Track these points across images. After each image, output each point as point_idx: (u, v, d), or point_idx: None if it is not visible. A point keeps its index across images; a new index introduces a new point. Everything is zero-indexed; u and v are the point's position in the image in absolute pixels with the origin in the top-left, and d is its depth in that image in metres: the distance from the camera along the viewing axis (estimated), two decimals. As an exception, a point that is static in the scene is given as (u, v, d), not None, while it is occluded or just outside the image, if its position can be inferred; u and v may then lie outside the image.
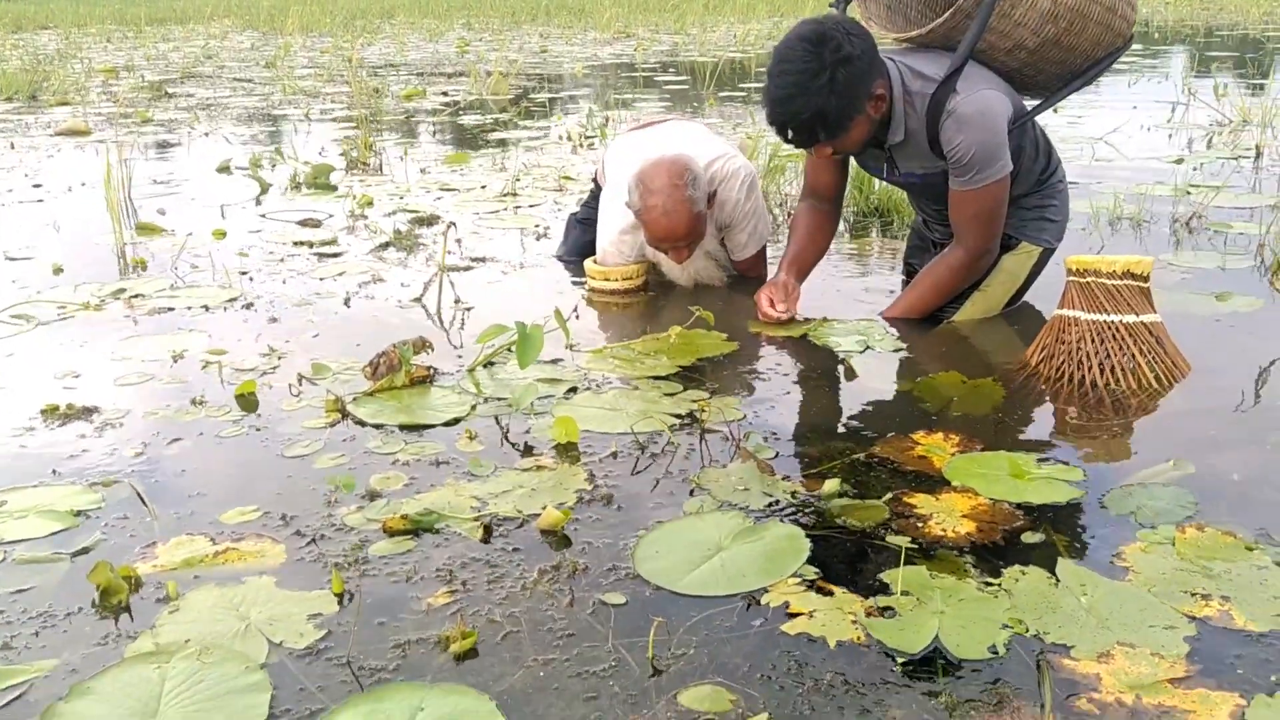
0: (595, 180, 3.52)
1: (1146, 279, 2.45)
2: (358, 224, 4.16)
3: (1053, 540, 1.73)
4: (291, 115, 7.65)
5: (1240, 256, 3.34)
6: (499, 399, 2.37)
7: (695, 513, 1.85)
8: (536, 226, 4.06)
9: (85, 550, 1.76)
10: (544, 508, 1.84)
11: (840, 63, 2.37)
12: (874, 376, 2.51)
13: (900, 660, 1.44)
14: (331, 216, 4.30)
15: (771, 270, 3.10)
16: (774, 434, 2.17)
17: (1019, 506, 1.84)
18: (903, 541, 1.71)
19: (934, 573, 1.63)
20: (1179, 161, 4.99)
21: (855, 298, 3.10)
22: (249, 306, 3.09)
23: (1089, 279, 2.46)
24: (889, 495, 1.88)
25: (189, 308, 3.08)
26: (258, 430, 2.23)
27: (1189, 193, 4.19)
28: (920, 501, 1.86)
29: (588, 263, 3.24)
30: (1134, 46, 11.23)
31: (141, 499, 1.92)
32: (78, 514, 1.87)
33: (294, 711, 1.36)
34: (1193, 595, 1.56)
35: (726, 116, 6.84)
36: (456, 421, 2.26)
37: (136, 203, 4.57)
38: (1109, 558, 1.68)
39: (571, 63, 11.41)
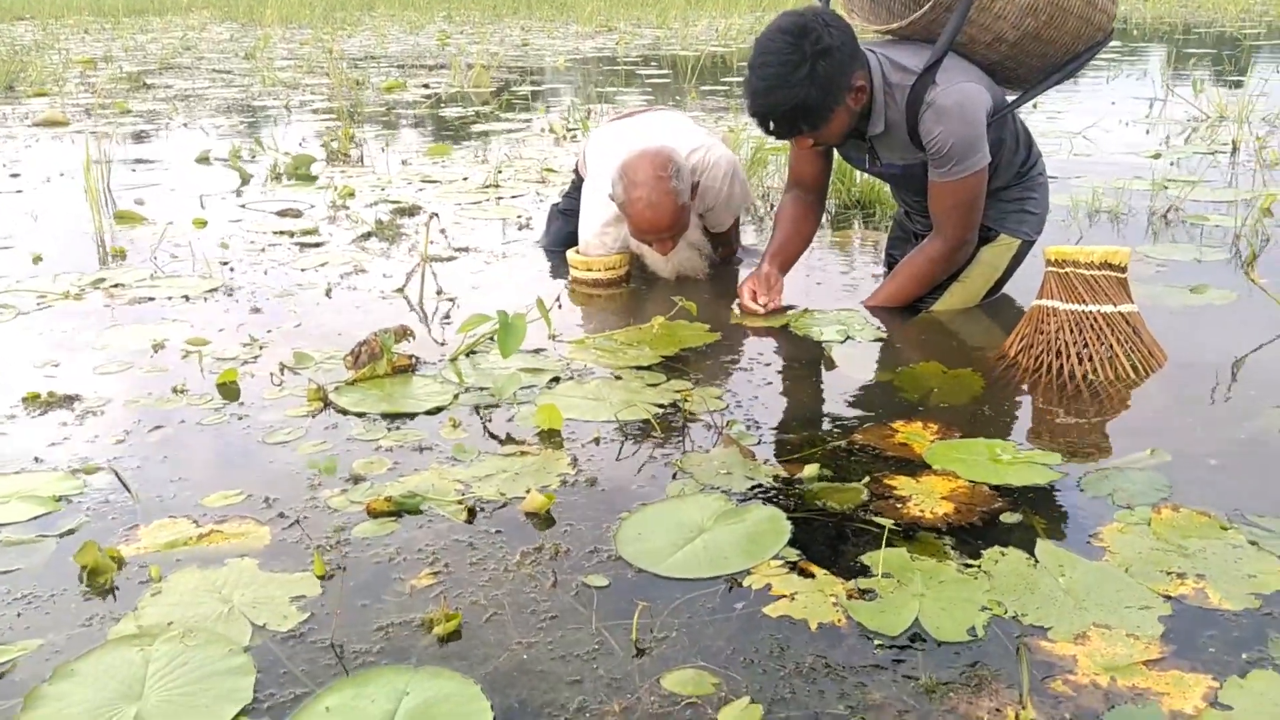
0: (576, 171, 3.52)
1: (1124, 270, 2.47)
2: (339, 214, 4.15)
3: (1031, 522, 1.75)
4: (271, 107, 7.61)
5: (1216, 249, 3.38)
6: (481, 388, 2.37)
7: (678, 495, 1.87)
8: (519, 217, 4.06)
9: (69, 532, 1.76)
10: (528, 491, 1.85)
11: (820, 54, 2.38)
12: (854, 366, 2.52)
13: (881, 642, 1.45)
14: (313, 207, 4.29)
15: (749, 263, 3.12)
16: (756, 421, 2.19)
17: (998, 489, 1.86)
18: (885, 522, 1.72)
19: (914, 555, 1.65)
20: (1156, 156, 5.04)
21: (837, 289, 3.12)
22: (230, 296, 3.08)
23: (1067, 269, 2.48)
24: (868, 478, 1.89)
25: (169, 297, 3.07)
26: (239, 418, 2.22)
27: (1166, 187, 4.23)
28: (900, 484, 1.88)
29: (570, 253, 3.24)
30: (1113, 43, 11.33)
31: (123, 483, 1.91)
32: (59, 499, 1.87)
33: (278, 695, 1.36)
34: (1168, 574, 1.58)
35: (708, 110, 6.85)
36: (439, 410, 2.27)
37: (115, 193, 4.54)
38: (1086, 538, 1.70)
39: (553, 56, 11.40)
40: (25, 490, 1.90)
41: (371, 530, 1.75)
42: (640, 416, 2.20)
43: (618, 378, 2.42)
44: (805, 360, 2.58)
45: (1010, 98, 2.66)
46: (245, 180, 4.85)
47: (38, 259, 3.48)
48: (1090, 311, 2.44)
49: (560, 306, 2.86)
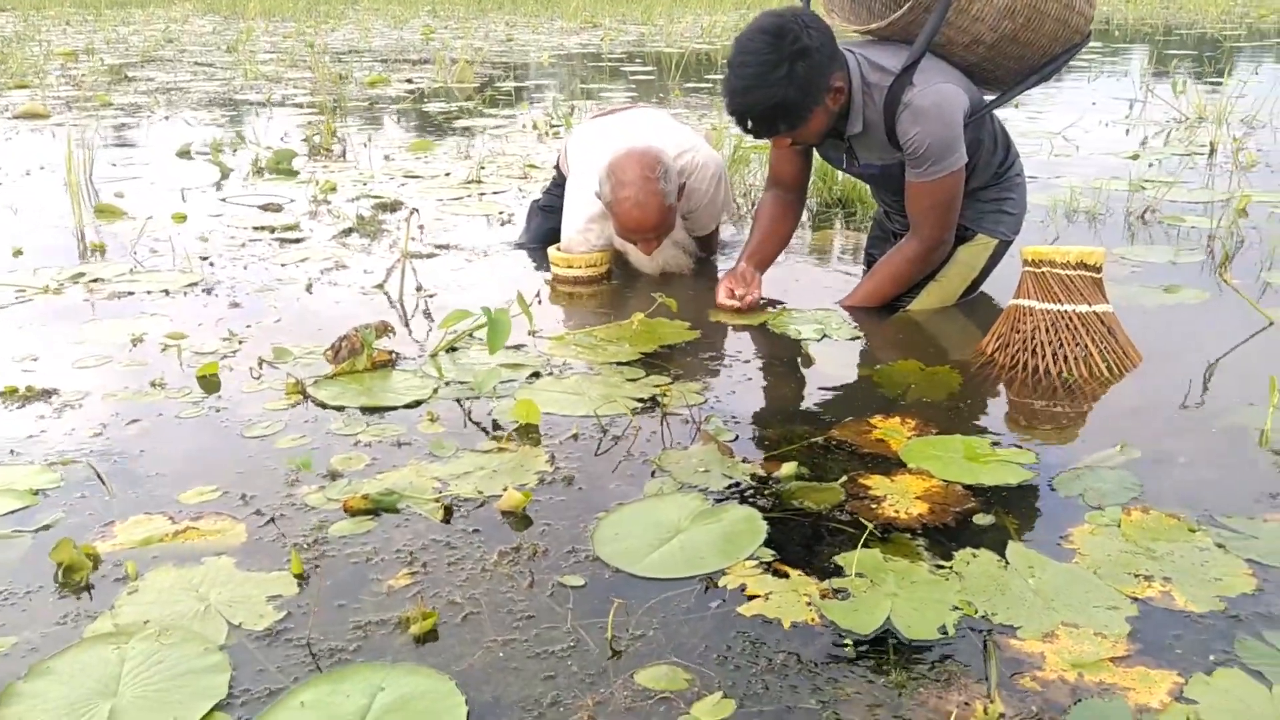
0: (558, 167, 3.52)
1: (1099, 269, 2.50)
2: (320, 209, 4.14)
3: (1003, 522, 1.77)
4: (253, 100, 7.58)
5: (1192, 250, 3.41)
6: (461, 383, 2.38)
7: (655, 494, 1.88)
8: (500, 214, 4.06)
9: (45, 528, 1.75)
10: (505, 489, 1.86)
11: (799, 55, 2.40)
12: (832, 363, 2.54)
13: (853, 640, 1.47)
14: (293, 202, 4.28)
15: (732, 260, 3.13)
16: (734, 418, 2.20)
17: (971, 488, 1.88)
18: (865, 524, 1.74)
19: (888, 555, 1.67)
20: (1135, 157, 5.08)
21: (816, 287, 3.13)
22: (209, 291, 3.07)
23: (1044, 269, 2.51)
24: (844, 477, 1.91)
25: (149, 292, 3.05)
26: (217, 412, 2.22)
27: (1144, 187, 4.27)
28: (875, 483, 1.90)
29: (551, 250, 3.25)
30: (1096, 44, 11.39)
31: (100, 478, 1.91)
32: (36, 493, 1.86)
33: (253, 692, 1.36)
34: (1136, 576, 1.60)
35: (692, 108, 6.87)
36: (418, 404, 2.27)
37: (96, 186, 4.51)
38: (1057, 539, 1.72)
39: (538, 52, 11.38)
40: (2, 484, 1.89)
41: (349, 529, 1.76)
42: (619, 411, 2.21)
43: (597, 373, 2.43)
44: (783, 357, 2.60)
45: (988, 98, 2.68)
46: (226, 174, 4.83)
47: (17, 252, 3.46)
48: (1066, 311, 2.46)
49: (540, 302, 2.86)
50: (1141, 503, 1.82)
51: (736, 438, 2.10)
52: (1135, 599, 1.55)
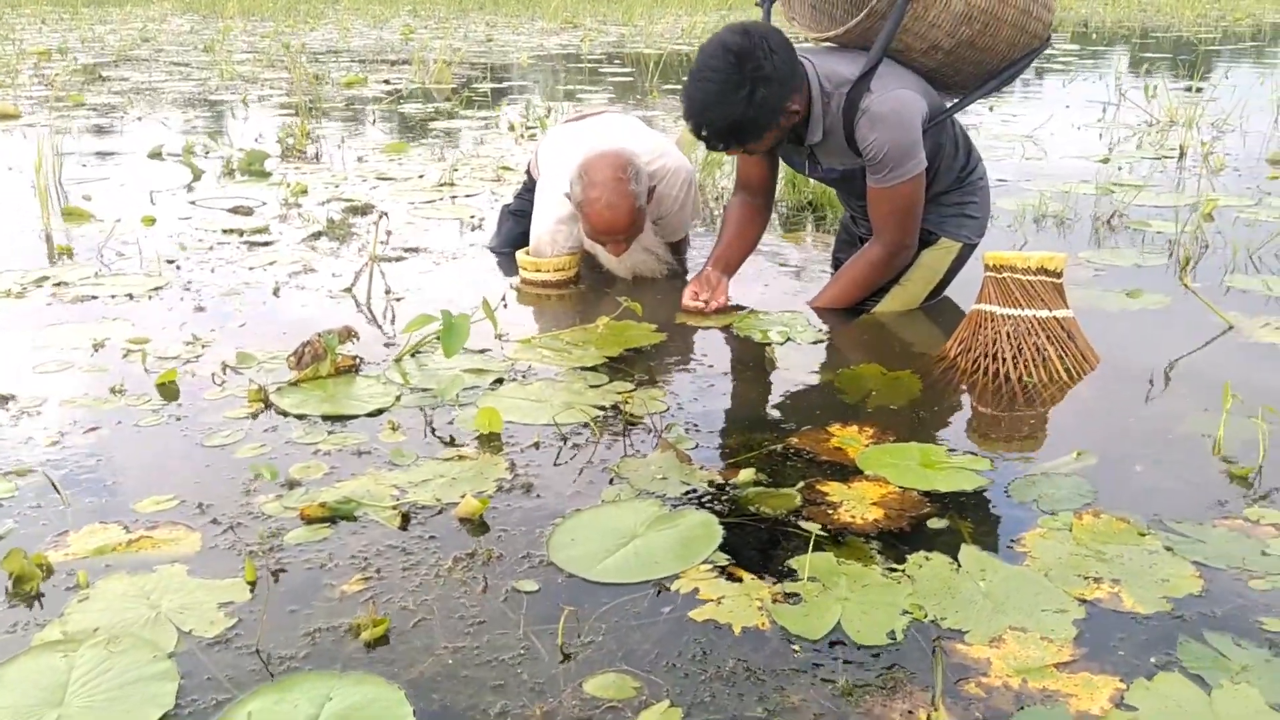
0: (528, 172, 3.52)
1: (1059, 275, 2.52)
2: (291, 212, 4.13)
3: (958, 527, 1.78)
4: (228, 101, 7.55)
5: (1156, 254, 3.44)
6: (424, 389, 2.37)
7: (613, 501, 1.88)
8: (472, 217, 4.06)
9: (-1, 538, 1.75)
10: (463, 496, 1.86)
11: (760, 81, 2.43)
12: (795, 367, 2.55)
13: (801, 646, 1.47)
14: (264, 204, 4.26)
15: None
16: (695, 425, 2.21)
17: (927, 494, 1.89)
18: (813, 528, 1.75)
19: (841, 559, 1.68)
20: (1105, 161, 5.12)
21: (783, 291, 3.15)
22: (175, 295, 3.06)
23: (1005, 274, 2.53)
24: (802, 484, 1.92)
25: (113, 296, 3.04)
26: (178, 419, 2.22)
27: (1112, 191, 4.31)
28: (832, 489, 1.91)
29: (520, 253, 3.25)
30: (1072, 46, 11.45)
31: (55, 487, 1.90)
32: (-11, 503, 1.85)
33: (200, 701, 1.36)
34: (1085, 579, 1.62)
35: (669, 109, 6.88)
36: (380, 412, 2.27)
37: (66, 188, 4.48)
38: (1009, 543, 1.73)
39: (517, 52, 11.37)
40: (-45, 494, 1.88)
41: (304, 536, 1.76)
42: (580, 419, 2.21)
43: (561, 379, 2.43)
44: (747, 361, 2.61)
45: (950, 104, 2.70)
46: (197, 176, 4.81)
47: (-19, 256, 3.44)
48: (1026, 316, 2.48)
49: (506, 306, 2.86)
50: (1094, 508, 1.83)
51: (696, 445, 2.11)
52: (1084, 600, 1.57)
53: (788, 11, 2.79)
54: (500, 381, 2.43)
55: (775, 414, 2.30)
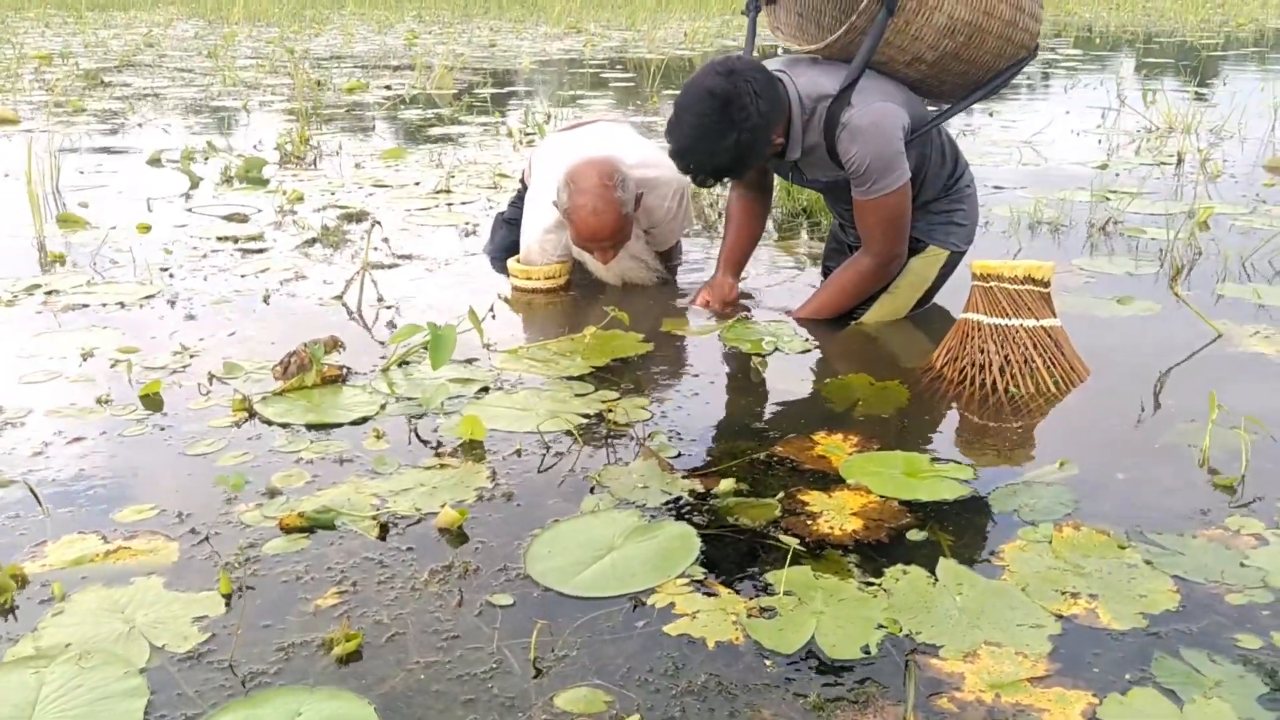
0: (522, 180, 3.52)
1: (1047, 284, 2.51)
2: (286, 220, 4.13)
3: (937, 538, 1.78)
4: (230, 107, 7.56)
5: (1150, 262, 3.43)
6: (409, 399, 2.37)
7: (592, 511, 1.88)
8: (466, 224, 4.06)
9: (-26, 551, 1.75)
10: (443, 506, 1.86)
11: (745, 128, 2.46)
12: (782, 377, 2.55)
13: (775, 661, 1.47)
14: (260, 211, 4.27)
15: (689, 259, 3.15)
16: (678, 433, 2.20)
17: (908, 504, 1.89)
18: (791, 541, 1.74)
19: (818, 573, 1.67)
20: (1103, 167, 5.10)
21: (774, 299, 3.13)
22: (167, 303, 3.06)
23: (992, 283, 2.52)
24: (782, 494, 1.92)
25: (104, 304, 3.04)
26: (161, 429, 2.22)
27: (1108, 198, 4.29)
28: (813, 499, 1.90)
29: (511, 261, 3.25)
30: (1075, 52, 11.43)
31: (35, 497, 1.90)
32: (-31, 514, 1.85)
33: (169, 717, 1.36)
34: (1063, 593, 1.61)
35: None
36: (364, 420, 2.27)
37: (63, 194, 4.49)
38: (988, 556, 1.73)
39: (519, 58, 11.38)
40: (-64, 505, 1.88)
41: (282, 547, 1.75)
42: (563, 427, 2.21)
43: (547, 388, 2.43)
44: (733, 371, 2.60)
45: (936, 112, 2.69)
46: (195, 183, 4.81)
47: (-26, 264, 3.45)
48: (1013, 325, 2.48)
49: (494, 316, 2.86)
50: (1075, 519, 1.83)
51: (679, 454, 2.11)
52: (1060, 616, 1.56)
53: (772, 21, 2.79)
54: (486, 390, 2.43)
55: (760, 422, 2.30)
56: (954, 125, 6.38)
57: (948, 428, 2.28)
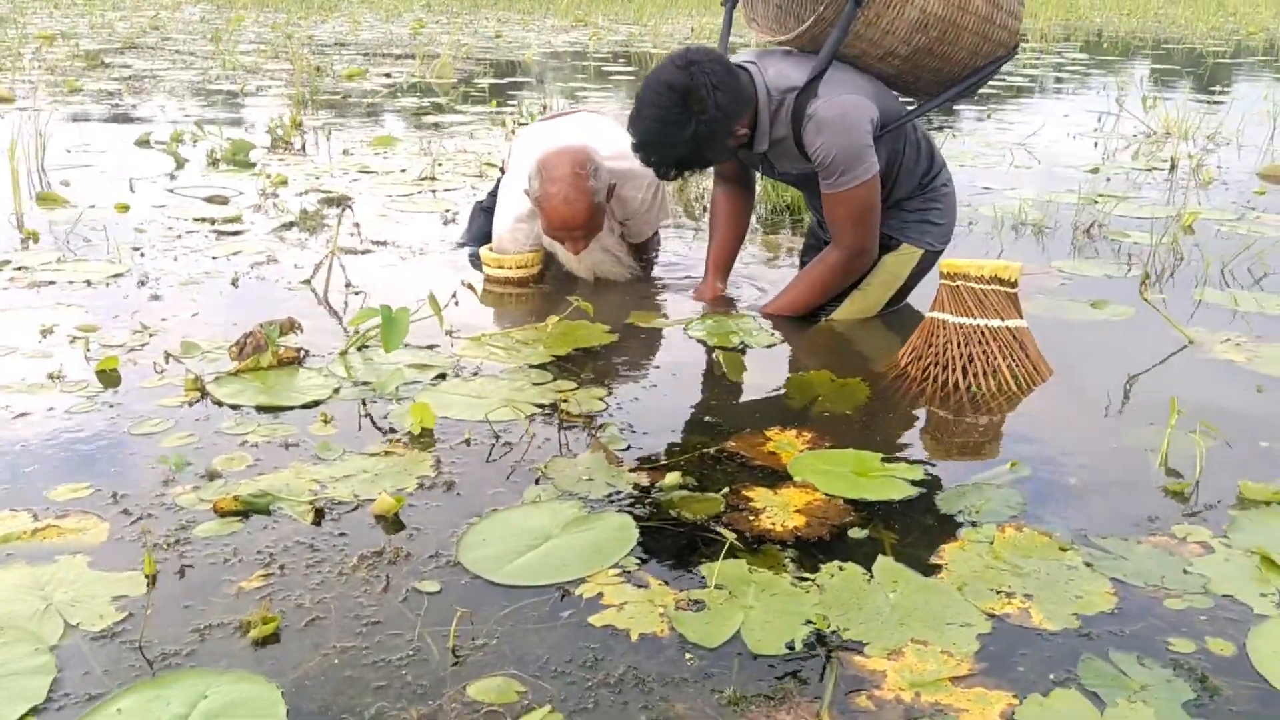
0: (502, 168, 3.50)
1: (1014, 284, 2.48)
2: (267, 203, 4.11)
3: (879, 537, 1.75)
4: (227, 91, 7.54)
5: (1128, 266, 3.39)
6: (365, 383, 2.35)
7: (533, 501, 1.86)
8: (446, 212, 4.04)
9: (-100, 525, 1.73)
10: (380, 493, 1.84)
11: (703, 121, 2.44)
12: (745, 372, 2.52)
13: (697, 654, 1.44)
14: (241, 194, 4.25)
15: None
16: (631, 426, 2.18)
17: (854, 503, 1.86)
18: (730, 535, 1.72)
19: (754, 567, 1.65)
20: (1095, 170, 5.06)
21: (749, 296, 3.10)
22: (137, 283, 3.04)
23: (959, 283, 2.49)
24: (727, 489, 1.89)
25: (70, 282, 3.02)
26: (110, 407, 2.20)
27: (1095, 201, 4.25)
28: (758, 495, 1.88)
29: (484, 250, 3.22)
30: (1081, 56, 11.37)
31: (-29, 474, 1.89)
32: (-98, 488, 1.84)
33: (73, 695, 1.34)
34: (998, 593, 1.59)
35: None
36: (316, 405, 2.25)
37: (48, 173, 4.48)
38: (928, 555, 1.70)
39: (524, 49, 11.35)
40: None
41: (214, 530, 1.73)
42: (513, 416, 2.19)
43: (504, 376, 2.41)
44: (696, 365, 2.58)
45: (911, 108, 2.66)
46: (181, 165, 4.80)
47: (-52, 239, 3.43)
48: (978, 325, 2.45)
49: (457, 303, 2.83)
50: (1019, 520, 1.80)
51: (628, 446, 2.08)
52: (992, 615, 1.54)
53: (748, 13, 2.76)
54: (443, 377, 2.41)
55: (714, 417, 2.27)
56: (949, 127, 6.34)
57: (905, 427, 2.26)
